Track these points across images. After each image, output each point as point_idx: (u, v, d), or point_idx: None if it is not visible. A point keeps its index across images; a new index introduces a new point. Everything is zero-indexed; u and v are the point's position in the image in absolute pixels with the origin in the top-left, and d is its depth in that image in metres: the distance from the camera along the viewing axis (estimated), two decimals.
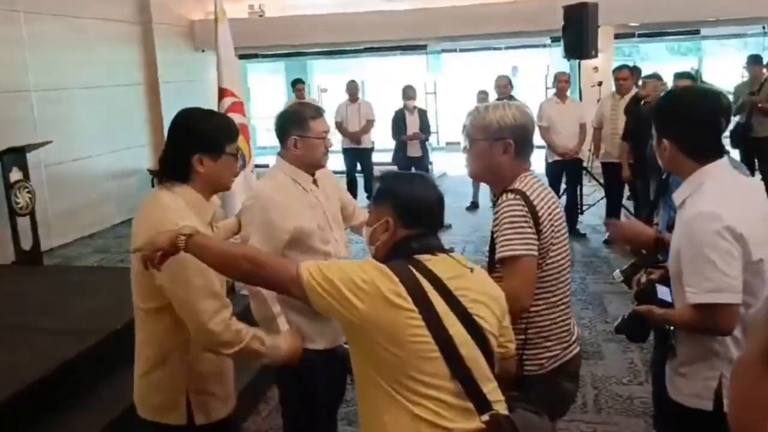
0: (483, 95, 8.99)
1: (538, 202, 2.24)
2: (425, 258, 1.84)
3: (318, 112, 2.79)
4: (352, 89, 9.54)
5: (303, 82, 9.92)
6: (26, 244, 6.80)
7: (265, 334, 2.30)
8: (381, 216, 1.92)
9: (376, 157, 9.86)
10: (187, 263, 2.03)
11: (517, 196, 2.23)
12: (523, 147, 2.31)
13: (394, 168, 9.00)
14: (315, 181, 2.81)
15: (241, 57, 12.37)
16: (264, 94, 14.11)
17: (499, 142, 2.27)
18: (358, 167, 9.69)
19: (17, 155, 6.75)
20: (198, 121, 2.23)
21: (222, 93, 5.28)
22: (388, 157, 9.21)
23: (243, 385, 3.81)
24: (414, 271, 1.78)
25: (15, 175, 6.68)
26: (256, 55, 12.49)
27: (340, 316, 1.75)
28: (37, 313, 4.38)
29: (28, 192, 6.84)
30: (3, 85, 7.27)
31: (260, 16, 11.29)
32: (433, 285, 1.77)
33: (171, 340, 2.20)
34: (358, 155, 9.53)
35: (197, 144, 2.18)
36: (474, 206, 9.26)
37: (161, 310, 2.16)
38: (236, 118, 5.22)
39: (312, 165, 2.79)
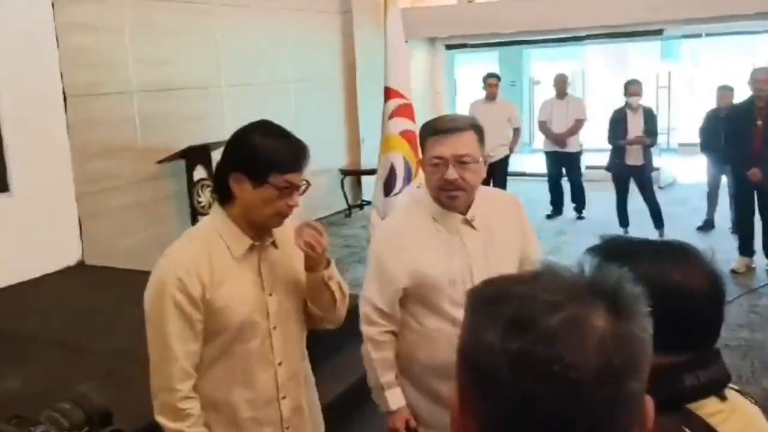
0: (725, 91, 7.29)
1: None
2: (707, 408, 1.06)
3: (444, 127, 2.12)
4: (560, 84, 8.33)
5: (496, 77, 8.48)
6: None
7: None
8: None
9: (590, 160, 8.58)
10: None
11: None
12: None
13: (588, 174, 7.78)
14: (468, 221, 2.17)
15: (449, 47, 11.61)
16: (475, 87, 13.22)
17: None
18: (564, 172, 8.48)
19: (202, 153, 6.68)
20: (252, 134, 1.90)
21: (387, 94, 4.48)
22: (602, 160, 7.86)
23: None
24: None
25: (199, 173, 6.63)
26: (464, 45, 11.59)
27: None
28: None
29: (212, 191, 6.72)
30: (194, 81, 7.14)
31: (470, 1, 10.38)
32: None
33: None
34: (562, 160, 8.34)
35: (239, 160, 1.87)
36: (708, 226, 7.61)
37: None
38: (402, 123, 4.45)
39: (436, 199, 2.17)
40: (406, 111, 4.45)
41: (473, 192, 2.15)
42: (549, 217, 8.39)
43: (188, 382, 1.85)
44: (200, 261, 1.87)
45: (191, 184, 6.55)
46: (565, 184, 8.54)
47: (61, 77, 5.40)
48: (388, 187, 4.42)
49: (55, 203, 5.39)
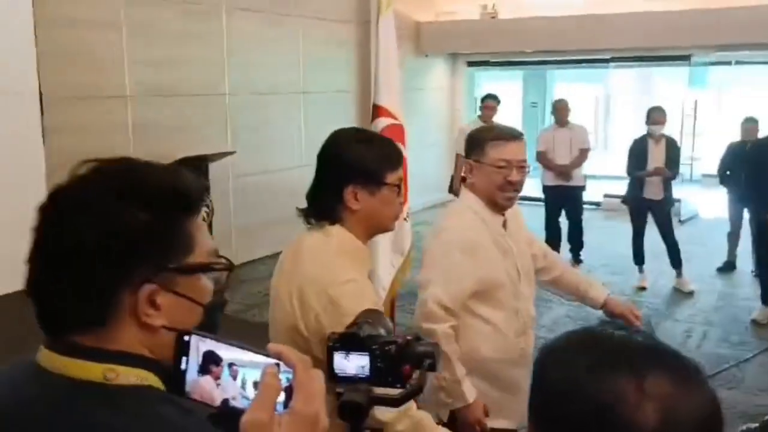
0: (750, 124, 6.86)
1: None
2: None
3: (509, 133, 2.38)
4: (561, 110, 7.44)
5: (495, 99, 7.78)
6: None
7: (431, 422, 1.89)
8: None
9: (609, 188, 8.10)
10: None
11: None
12: None
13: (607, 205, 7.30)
14: (505, 223, 2.43)
15: (470, 64, 11.31)
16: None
17: None
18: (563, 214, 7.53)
19: (198, 164, 6.34)
20: (350, 145, 1.91)
21: (375, 111, 4.16)
22: (621, 189, 7.36)
23: None
24: None
25: None
26: (487, 62, 11.26)
27: None
28: None
29: (205, 205, 6.42)
30: (198, 88, 6.88)
31: (493, 17, 10.04)
32: None
33: None
34: (563, 195, 7.38)
35: (350, 173, 1.87)
36: (729, 267, 7.14)
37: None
38: None
39: (488, 200, 2.37)
40: (394, 132, 4.04)
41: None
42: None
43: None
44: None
45: None
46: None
47: (39, 77, 4.91)
48: None
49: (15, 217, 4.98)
